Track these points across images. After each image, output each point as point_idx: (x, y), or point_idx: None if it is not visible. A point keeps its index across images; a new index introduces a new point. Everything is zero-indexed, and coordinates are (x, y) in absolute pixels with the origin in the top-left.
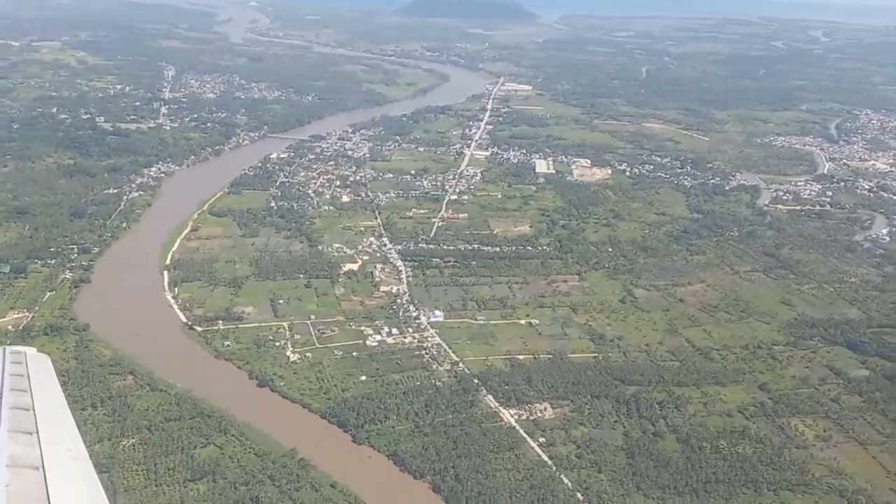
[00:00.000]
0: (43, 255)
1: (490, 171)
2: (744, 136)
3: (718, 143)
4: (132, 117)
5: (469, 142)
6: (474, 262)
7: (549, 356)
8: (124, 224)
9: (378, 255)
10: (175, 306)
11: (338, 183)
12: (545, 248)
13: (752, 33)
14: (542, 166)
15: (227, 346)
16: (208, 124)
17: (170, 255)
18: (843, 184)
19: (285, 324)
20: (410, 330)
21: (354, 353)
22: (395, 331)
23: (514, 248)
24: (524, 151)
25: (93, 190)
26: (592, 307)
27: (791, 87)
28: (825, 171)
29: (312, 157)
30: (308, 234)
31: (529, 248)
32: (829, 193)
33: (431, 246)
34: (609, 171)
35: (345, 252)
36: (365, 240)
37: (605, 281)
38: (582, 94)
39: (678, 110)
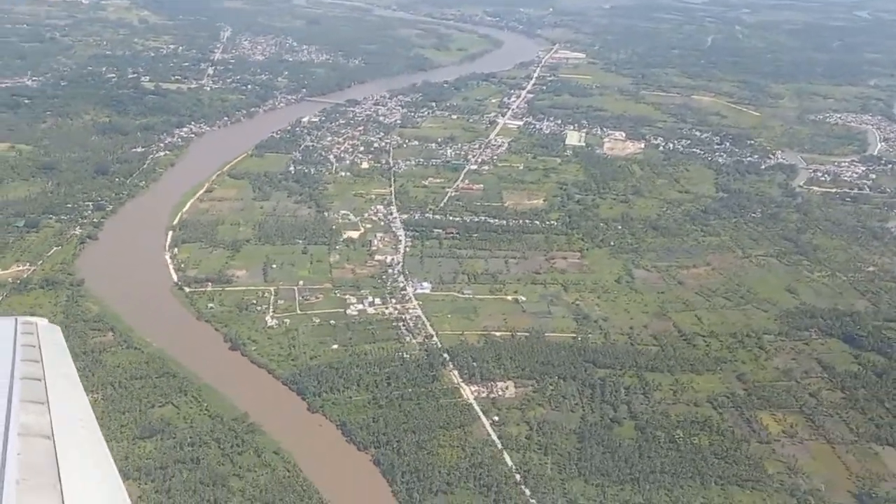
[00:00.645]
0: (58, 211)
1: (519, 141)
2: (797, 111)
3: (768, 119)
4: (176, 77)
5: (505, 111)
6: (476, 235)
7: (527, 334)
8: (143, 183)
9: (382, 223)
10: (170, 266)
11: (361, 149)
12: (553, 222)
13: (836, 1)
14: (573, 138)
15: (211, 308)
16: (248, 86)
17: (178, 216)
18: (890, 166)
19: (272, 289)
20: (394, 301)
21: (332, 322)
22: (378, 301)
23: (520, 221)
24: (559, 122)
25: (122, 148)
26: (585, 286)
27: (863, 60)
28: (875, 153)
29: (343, 121)
30: (318, 199)
31: (537, 222)
32: (873, 176)
33: (437, 216)
34: (642, 145)
35: (350, 219)
36: (373, 207)
37: (606, 259)
38: (636, 64)
39: (734, 83)
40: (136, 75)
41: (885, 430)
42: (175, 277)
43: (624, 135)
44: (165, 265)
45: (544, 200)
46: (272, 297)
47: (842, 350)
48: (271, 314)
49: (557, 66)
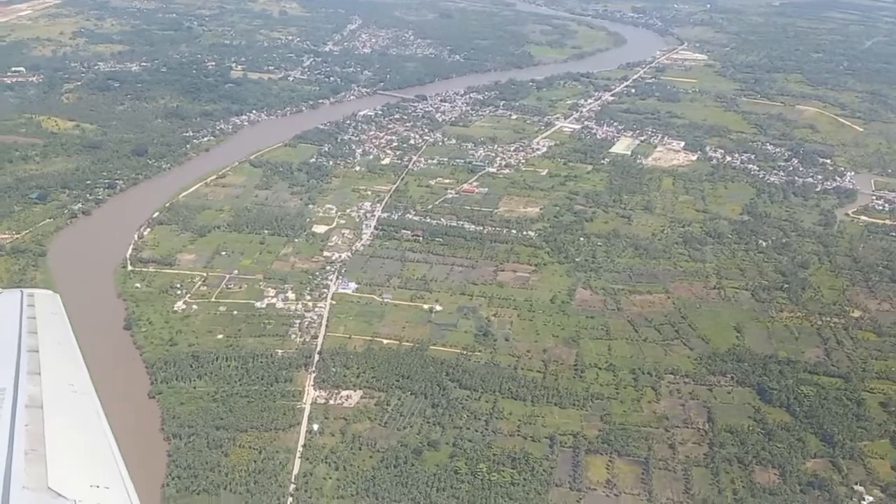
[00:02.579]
0: (74, 186)
1: (563, 146)
2: None
3: (868, 136)
4: (269, 68)
5: (573, 113)
6: (439, 240)
7: (413, 345)
8: (167, 166)
9: (357, 219)
10: (131, 246)
11: (395, 144)
12: (531, 233)
13: None
14: (622, 146)
15: (137, 287)
16: (331, 78)
17: (174, 199)
18: None
19: (204, 274)
20: (308, 298)
21: (235, 312)
22: (292, 296)
23: (496, 229)
24: (621, 128)
25: (173, 132)
26: (514, 302)
27: None
28: None
29: (397, 116)
30: (315, 192)
31: (514, 231)
32: None
33: (417, 217)
34: (694, 157)
35: (330, 214)
36: (360, 203)
37: (558, 277)
38: (759, 68)
39: (860, 93)
40: (233, 64)
41: (720, 493)
42: (128, 256)
43: (682, 144)
44: (128, 244)
45: (541, 209)
46: (198, 283)
47: (747, 402)
48: (185, 299)
49: (667, 67)
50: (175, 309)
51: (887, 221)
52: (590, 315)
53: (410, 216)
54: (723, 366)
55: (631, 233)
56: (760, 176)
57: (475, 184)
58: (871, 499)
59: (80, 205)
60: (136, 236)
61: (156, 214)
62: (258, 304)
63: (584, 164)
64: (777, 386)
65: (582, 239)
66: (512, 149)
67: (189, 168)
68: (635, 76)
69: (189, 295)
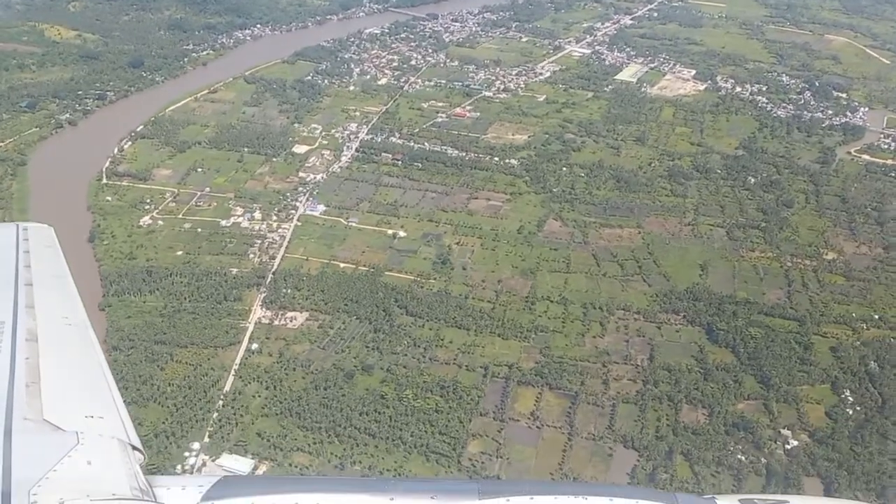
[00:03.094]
0: (65, 97)
1: (567, 71)
2: None
3: (892, 70)
4: None
5: (586, 37)
6: (418, 164)
7: (369, 270)
8: (161, 79)
9: (340, 141)
10: (109, 159)
11: (395, 64)
12: (513, 161)
13: None
14: (628, 73)
15: (108, 201)
16: None
17: (161, 113)
18: None
19: (176, 190)
20: (275, 219)
21: (199, 230)
22: (258, 216)
23: (478, 156)
24: (632, 54)
25: (174, 45)
26: (480, 230)
27: None
28: None
29: (403, 35)
30: (304, 110)
31: (496, 158)
32: None
33: (401, 140)
34: (702, 87)
35: (314, 133)
36: (346, 124)
37: (532, 207)
38: None
39: None
40: None
41: (642, 431)
42: (104, 170)
43: (693, 73)
44: (107, 157)
45: (530, 137)
46: (168, 199)
47: (693, 341)
48: (153, 214)
49: None
50: (140, 224)
51: (890, 161)
52: (554, 247)
53: (395, 139)
54: (677, 304)
55: (617, 164)
56: (767, 109)
57: (468, 108)
58: (795, 443)
59: (67, 115)
60: (116, 149)
61: (140, 128)
62: (223, 223)
63: (585, 91)
64: (726, 326)
65: (564, 169)
66: (514, 73)
67: (183, 82)
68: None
69: (157, 210)
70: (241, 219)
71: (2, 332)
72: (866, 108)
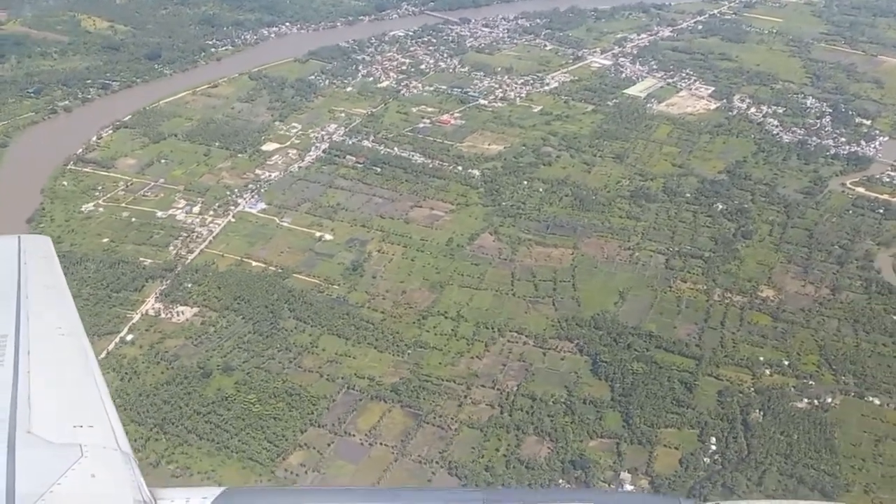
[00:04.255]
0: (73, 85)
1: (578, 82)
2: None
3: None
4: None
5: (614, 48)
6: (377, 168)
7: (278, 270)
8: (170, 72)
9: (313, 140)
10: (83, 146)
11: (404, 68)
12: (475, 172)
13: None
14: (640, 87)
15: (63, 186)
16: None
17: (154, 104)
18: None
19: (131, 180)
20: (212, 213)
21: (134, 219)
22: (196, 210)
23: (444, 164)
24: (654, 67)
25: (197, 39)
26: (409, 240)
27: None
28: None
29: (426, 39)
30: (292, 108)
31: (460, 168)
32: None
33: (371, 144)
34: (714, 106)
35: (291, 132)
36: (327, 125)
37: (473, 219)
38: (865, 10)
39: None
40: None
41: (474, 459)
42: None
43: (710, 91)
44: (83, 144)
45: (505, 148)
46: (120, 187)
47: (574, 371)
48: (99, 201)
49: (760, 3)
50: (82, 210)
51: (885, 196)
52: (476, 262)
53: (367, 142)
54: (575, 331)
55: (583, 181)
56: (774, 132)
57: (457, 115)
58: (631, 488)
59: (66, 102)
60: (94, 137)
61: (127, 117)
62: (160, 214)
63: (586, 104)
64: (610, 359)
65: (525, 182)
66: (520, 82)
67: (192, 75)
68: (716, 10)
69: (104, 198)
70: (179, 211)
71: (4, 344)
72: (886, 138)
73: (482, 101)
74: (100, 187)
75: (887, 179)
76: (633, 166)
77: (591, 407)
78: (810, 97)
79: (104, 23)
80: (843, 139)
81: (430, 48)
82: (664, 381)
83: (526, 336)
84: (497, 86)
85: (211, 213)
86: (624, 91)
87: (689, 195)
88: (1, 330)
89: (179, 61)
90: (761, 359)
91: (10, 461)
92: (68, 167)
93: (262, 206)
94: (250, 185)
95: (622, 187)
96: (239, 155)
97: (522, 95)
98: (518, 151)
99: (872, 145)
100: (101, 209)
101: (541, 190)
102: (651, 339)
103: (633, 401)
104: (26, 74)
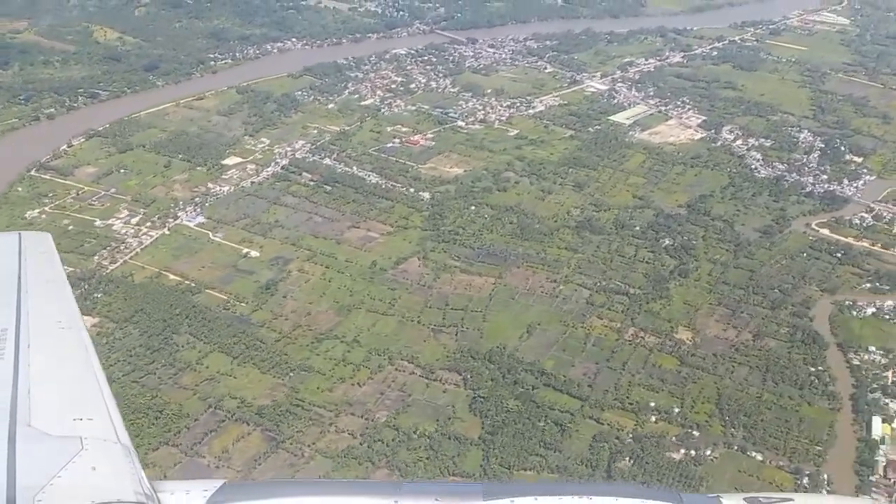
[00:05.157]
0: (63, 93)
1: (565, 107)
2: None
3: None
4: None
5: (618, 72)
6: (329, 187)
7: (191, 285)
8: (162, 83)
9: (275, 156)
10: (52, 154)
11: (393, 86)
12: (425, 195)
13: None
14: (626, 114)
15: (17, 191)
16: (399, 12)
17: (133, 114)
18: None
19: (84, 188)
20: (149, 225)
21: (72, 227)
22: (134, 221)
23: (397, 185)
24: (651, 93)
25: (200, 52)
26: (334, 261)
27: None
28: None
29: (426, 58)
30: (266, 123)
31: (412, 190)
32: None
33: (331, 162)
34: (698, 136)
35: (257, 147)
36: (295, 141)
37: (407, 243)
38: None
39: None
40: None
41: None
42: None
43: (700, 121)
44: (55, 152)
45: (465, 171)
46: (70, 195)
47: (453, 405)
48: (44, 209)
49: (787, 30)
50: (25, 216)
51: (849, 239)
52: (392, 287)
53: (328, 160)
54: (467, 364)
55: (533, 209)
56: (753, 166)
57: (430, 136)
58: None
59: (52, 109)
60: (65, 145)
61: (103, 127)
62: (98, 223)
63: (566, 129)
64: (489, 394)
65: (473, 208)
66: (506, 104)
67: (183, 87)
68: (737, 37)
69: (52, 205)
70: (119, 222)
71: (4, 338)
72: (873, 177)
73: (460, 123)
74: (51, 194)
75: (857, 221)
76: (591, 196)
77: (454, 443)
78: (806, 130)
79: (115, 34)
80: (824, 176)
81: (428, 67)
82: (538, 421)
83: (415, 365)
84: (481, 108)
85: (149, 224)
86: (609, 117)
87: (638, 228)
88: (1, 324)
89: (174, 73)
90: (652, 404)
91: (10, 454)
92: (30, 173)
93: (201, 219)
94: (197, 199)
95: (571, 217)
96: (198, 168)
97: (504, 118)
98: (478, 175)
99: (855, 184)
100: (44, 216)
101: (486, 216)
102: (543, 376)
103: (499, 440)
104: (24, 81)
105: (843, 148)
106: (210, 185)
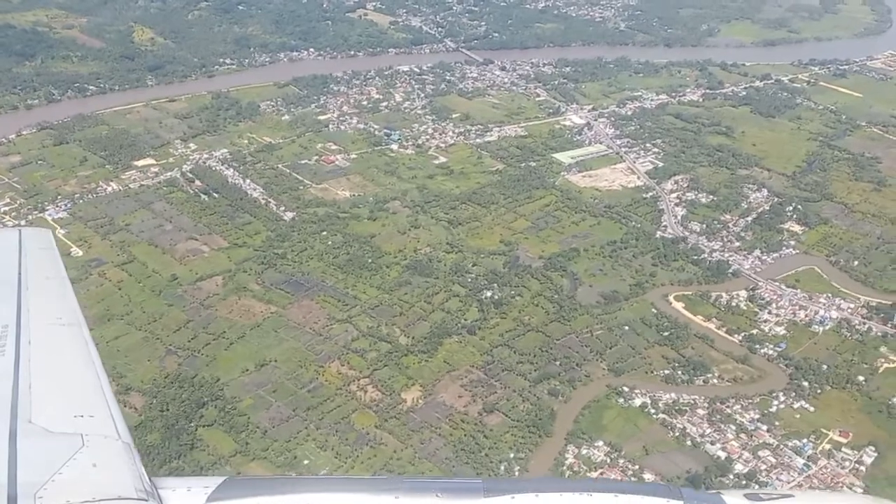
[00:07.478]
0: (60, 86)
1: (520, 139)
2: None
3: None
4: (400, 11)
5: (612, 107)
6: (205, 197)
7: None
8: (153, 83)
9: (185, 162)
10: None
11: (363, 103)
12: (289, 214)
13: None
14: (572, 153)
15: None
16: (439, 28)
17: (98, 111)
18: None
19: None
20: (14, 214)
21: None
22: (5, 209)
23: (272, 203)
24: (623, 133)
25: (213, 56)
26: (143, 270)
27: None
28: None
29: (425, 77)
30: (209, 131)
31: (282, 209)
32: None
33: (230, 172)
34: (633, 185)
35: (178, 152)
36: (216, 149)
37: (228, 262)
38: None
39: None
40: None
41: None
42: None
43: (655, 167)
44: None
45: (353, 196)
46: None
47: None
48: None
49: (860, 72)
50: None
51: (696, 318)
52: (170, 303)
53: (223, 170)
54: (168, 390)
55: (382, 243)
56: (663, 224)
57: (353, 156)
58: None
59: (36, 101)
60: (13, 135)
61: (59, 121)
62: (33, 217)
63: (499, 163)
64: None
65: (324, 233)
66: (458, 130)
67: (171, 89)
68: (789, 76)
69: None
70: (46, 214)
71: (5, 335)
72: (796, 252)
73: (393, 147)
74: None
75: (724, 299)
76: (458, 235)
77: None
78: (766, 190)
79: (150, 34)
80: (737, 244)
81: (417, 87)
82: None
83: (116, 384)
84: (431, 132)
85: (13, 214)
86: (554, 154)
87: (472, 276)
88: (2, 320)
89: (173, 74)
90: (306, 462)
91: (11, 451)
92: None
93: (63, 214)
94: (78, 195)
95: (415, 255)
96: (106, 166)
97: (444, 145)
98: (361, 201)
99: (766, 257)
100: None
101: (330, 243)
102: (223, 412)
103: None
104: (36, 74)
105: (793, 215)
106: (102, 183)
